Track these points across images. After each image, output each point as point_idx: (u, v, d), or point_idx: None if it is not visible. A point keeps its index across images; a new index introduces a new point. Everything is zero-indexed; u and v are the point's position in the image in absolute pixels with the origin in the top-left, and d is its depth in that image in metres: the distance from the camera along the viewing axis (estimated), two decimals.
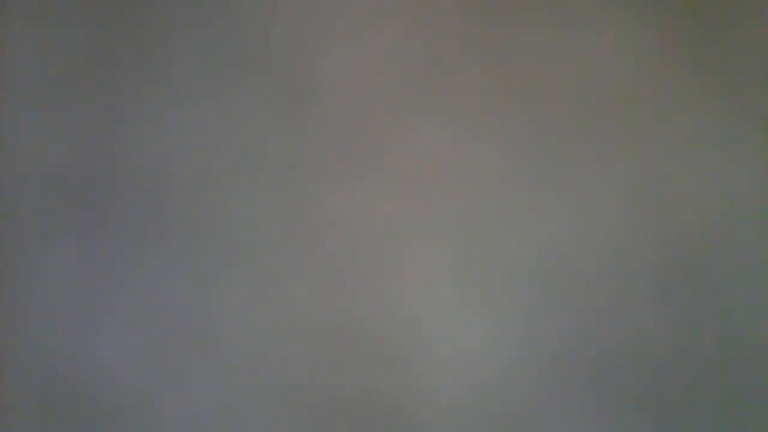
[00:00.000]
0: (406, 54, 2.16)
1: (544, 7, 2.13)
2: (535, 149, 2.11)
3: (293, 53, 2.19)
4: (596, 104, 2.11)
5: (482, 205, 2.12)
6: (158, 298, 2.19)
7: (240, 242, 2.18)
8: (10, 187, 2.26)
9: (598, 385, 2.07)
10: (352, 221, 2.15)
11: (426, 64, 2.15)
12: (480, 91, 2.13)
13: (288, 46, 2.19)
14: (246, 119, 2.19)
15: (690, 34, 2.10)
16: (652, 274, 2.07)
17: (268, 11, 2.20)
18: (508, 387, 2.09)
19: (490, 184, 2.12)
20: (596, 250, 2.09)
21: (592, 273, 2.08)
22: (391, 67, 2.16)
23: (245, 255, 2.17)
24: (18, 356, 2.23)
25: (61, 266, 2.23)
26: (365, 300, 2.13)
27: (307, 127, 2.18)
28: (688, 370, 2.05)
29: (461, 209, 2.12)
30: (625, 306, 2.07)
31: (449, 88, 2.14)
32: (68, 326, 2.22)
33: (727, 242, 2.06)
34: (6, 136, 2.28)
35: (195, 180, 2.20)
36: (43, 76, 2.27)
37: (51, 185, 2.25)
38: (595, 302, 2.08)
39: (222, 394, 2.16)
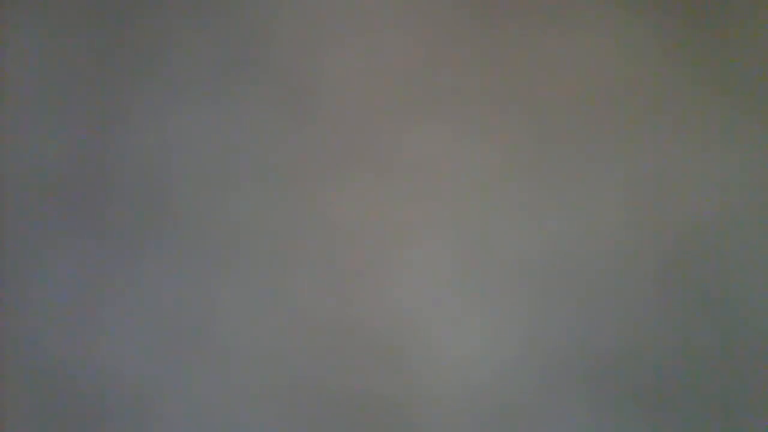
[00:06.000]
0: (406, 54, 2.16)
1: (543, 7, 2.13)
2: (535, 149, 2.11)
3: (293, 53, 2.19)
4: (596, 104, 2.11)
5: (482, 205, 2.12)
6: (158, 298, 2.19)
7: (240, 242, 2.18)
8: (10, 187, 2.26)
9: (598, 385, 2.07)
10: (352, 221, 2.15)
11: (426, 64, 2.15)
12: (480, 91, 2.13)
13: (288, 46, 2.19)
14: (246, 119, 2.20)
15: (690, 34, 2.10)
16: (652, 273, 2.07)
17: (268, 11, 2.21)
18: (508, 387, 2.09)
19: (490, 184, 2.12)
20: (596, 250, 2.09)
21: (592, 273, 2.08)
22: (391, 67, 2.16)
23: (245, 255, 2.17)
24: (18, 356, 2.24)
25: (61, 266, 2.23)
26: (365, 299, 2.13)
27: (307, 127, 2.18)
28: (688, 370, 2.05)
29: (461, 209, 2.12)
30: (625, 306, 2.07)
31: (449, 88, 2.14)
32: (68, 326, 2.22)
33: (727, 242, 2.06)
34: (6, 136, 2.28)
35: (195, 180, 2.20)
36: (44, 77, 2.27)
37: (51, 185, 2.25)
38: (595, 302, 2.08)
39: (222, 393, 2.16)
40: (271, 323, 2.16)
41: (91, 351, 2.21)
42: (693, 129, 2.09)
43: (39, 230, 2.25)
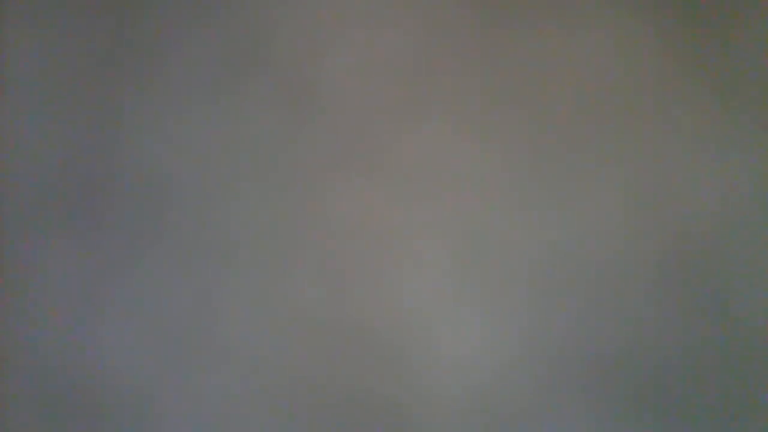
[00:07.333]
0: (406, 54, 2.16)
1: (544, 7, 2.13)
2: (535, 149, 2.11)
3: (293, 53, 2.19)
4: (596, 104, 2.11)
5: (482, 205, 2.12)
6: (158, 298, 2.19)
7: (240, 242, 2.18)
8: (10, 188, 2.26)
9: (598, 384, 2.07)
10: (351, 221, 2.15)
11: (426, 64, 2.15)
12: (480, 91, 2.13)
13: (288, 46, 2.19)
14: (246, 120, 2.19)
15: (690, 34, 2.10)
16: (652, 273, 2.07)
17: (268, 12, 2.21)
18: (508, 387, 2.09)
19: (490, 184, 2.12)
20: (596, 250, 2.09)
21: (592, 273, 2.08)
22: (391, 67, 2.16)
23: (245, 255, 2.17)
24: (18, 356, 2.23)
25: (61, 267, 2.23)
26: (365, 300, 2.13)
27: (307, 128, 2.18)
28: (688, 370, 2.05)
29: (461, 209, 2.12)
30: (625, 306, 2.07)
31: (449, 88, 2.14)
32: (68, 326, 2.22)
33: (727, 242, 2.06)
34: (6, 137, 2.28)
35: (195, 180, 2.20)
36: (43, 78, 2.27)
37: (51, 186, 2.25)
38: (595, 302, 2.08)
39: (221, 393, 2.16)
40: (271, 323, 2.16)
41: (91, 351, 2.21)
42: (693, 129, 2.09)
43: (39, 230, 2.25)
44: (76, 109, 2.25)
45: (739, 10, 2.09)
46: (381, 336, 2.12)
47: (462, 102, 2.14)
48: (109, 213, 2.22)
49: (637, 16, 2.11)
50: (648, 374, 2.06)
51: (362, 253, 2.14)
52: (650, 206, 2.08)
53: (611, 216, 2.09)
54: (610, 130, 2.10)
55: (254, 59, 2.20)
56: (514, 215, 2.11)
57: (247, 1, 2.21)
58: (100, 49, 2.25)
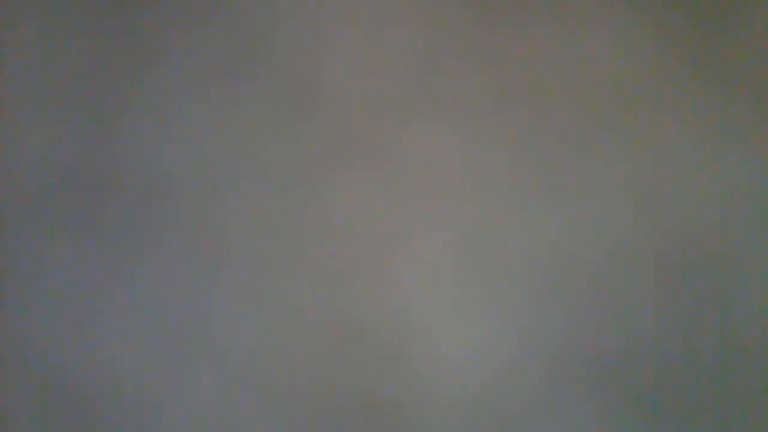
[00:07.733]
0: (406, 54, 2.16)
1: (544, 7, 2.13)
2: (536, 149, 2.11)
3: (293, 53, 2.19)
4: (596, 104, 2.10)
5: (483, 205, 2.12)
6: (159, 298, 2.19)
7: (240, 242, 2.18)
8: (10, 188, 2.26)
9: (598, 384, 2.07)
10: (352, 221, 2.15)
11: (426, 64, 2.15)
12: (480, 91, 2.13)
13: (288, 46, 2.19)
14: (246, 120, 2.19)
15: (690, 34, 2.09)
16: (653, 273, 2.07)
17: (268, 11, 2.20)
18: (508, 387, 2.09)
19: (490, 184, 2.12)
20: (596, 250, 2.09)
21: (593, 272, 2.08)
22: (391, 67, 2.16)
23: (245, 255, 2.17)
24: (18, 356, 2.24)
25: (62, 266, 2.23)
26: (365, 299, 2.13)
27: (307, 128, 2.18)
28: (688, 370, 2.05)
29: (461, 209, 2.12)
30: (625, 305, 2.07)
31: (450, 88, 2.14)
32: (69, 326, 2.22)
33: (727, 242, 2.06)
34: (6, 136, 2.28)
35: (195, 180, 2.20)
36: (44, 78, 2.27)
37: (51, 186, 2.25)
38: (596, 302, 2.08)
39: (222, 393, 2.17)
40: (271, 323, 2.16)
41: (91, 351, 2.21)
42: (693, 129, 2.08)
43: (39, 230, 2.25)
44: (77, 109, 2.25)
45: (739, 8, 2.09)
46: (381, 336, 2.12)
47: (462, 102, 2.13)
48: (110, 213, 2.22)
49: (637, 15, 2.11)
50: (648, 374, 2.06)
51: (362, 253, 2.14)
52: (650, 206, 2.08)
53: (611, 215, 2.09)
54: (610, 130, 2.10)
55: (254, 58, 2.20)
56: (515, 215, 2.11)
57: (247, 1, 2.21)
58: (100, 48, 2.25)
